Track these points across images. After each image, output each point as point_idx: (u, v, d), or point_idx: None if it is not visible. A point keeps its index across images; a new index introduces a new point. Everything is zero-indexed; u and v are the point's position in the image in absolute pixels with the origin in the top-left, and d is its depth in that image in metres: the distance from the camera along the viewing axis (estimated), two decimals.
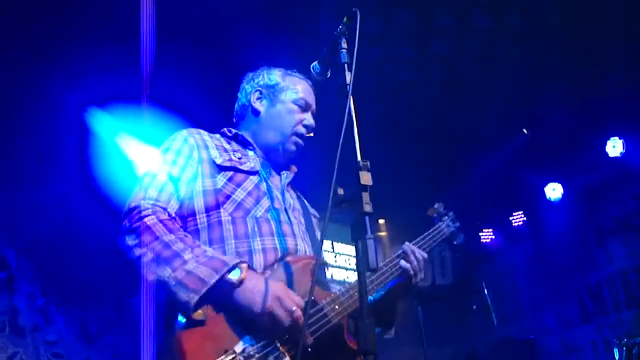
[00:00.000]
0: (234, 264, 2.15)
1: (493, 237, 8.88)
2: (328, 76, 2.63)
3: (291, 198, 2.71)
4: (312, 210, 2.89)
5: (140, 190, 2.37)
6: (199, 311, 2.09)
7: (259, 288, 2.14)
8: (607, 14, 5.71)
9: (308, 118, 2.77)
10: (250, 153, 2.70)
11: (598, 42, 6.02)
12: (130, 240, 2.23)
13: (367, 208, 1.85)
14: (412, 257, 2.66)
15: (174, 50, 5.23)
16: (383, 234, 8.36)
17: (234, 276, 2.13)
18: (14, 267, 5.46)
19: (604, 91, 6.55)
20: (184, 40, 5.35)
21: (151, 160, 5.51)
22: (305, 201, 2.89)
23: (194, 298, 2.06)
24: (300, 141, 2.75)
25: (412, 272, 2.64)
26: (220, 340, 2.07)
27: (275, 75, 2.87)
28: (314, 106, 2.85)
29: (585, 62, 6.25)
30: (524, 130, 7.50)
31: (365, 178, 1.91)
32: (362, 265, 1.83)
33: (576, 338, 7.80)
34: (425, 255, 2.74)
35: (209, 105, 5.62)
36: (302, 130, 2.74)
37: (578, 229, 8.01)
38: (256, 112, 2.81)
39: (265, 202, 2.51)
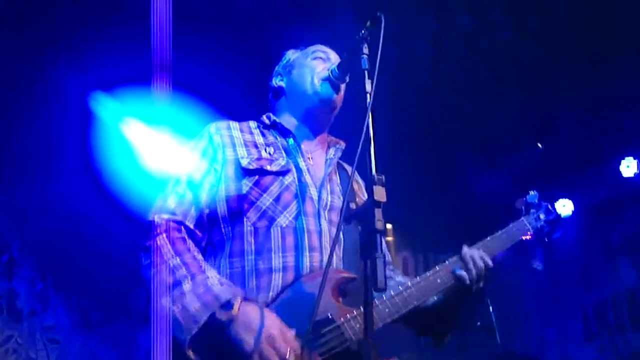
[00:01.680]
0: (226, 299, 2.02)
1: None
2: (346, 81, 2.57)
3: (330, 193, 2.47)
4: (361, 194, 2.66)
5: (160, 201, 2.31)
6: (190, 352, 2.00)
7: (250, 325, 1.99)
8: (626, 28, 5.61)
9: (332, 64, 2.57)
10: (291, 141, 2.53)
11: (616, 58, 5.92)
12: (144, 259, 2.19)
13: (379, 225, 1.76)
14: (470, 265, 2.39)
15: (190, 29, 5.13)
16: (390, 239, 8.27)
17: (224, 314, 2.00)
18: (15, 251, 5.42)
19: (622, 109, 6.46)
20: (201, 19, 5.25)
21: (166, 153, 5.51)
22: (358, 183, 2.71)
23: (187, 338, 1.99)
24: (331, 83, 2.52)
25: (467, 283, 2.38)
26: None
27: (288, 55, 2.82)
28: (337, 56, 2.68)
29: (603, 79, 6.15)
30: (539, 145, 7.41)
31: (379, 193, 1.81)
32: (370, 285, 1.73)
33: (578, 356, 7.71)
34: (489, 261, 2.43)
35: (228, 91, 5.55)
36: (326, 73, 2.54)
37: (586, 246, 7.92)
38: (280, 90, 2.74)
39: (294, 208, 2.32)
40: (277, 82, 2.77)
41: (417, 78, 6.29)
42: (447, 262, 2.44)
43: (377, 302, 2.18)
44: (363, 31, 2.18)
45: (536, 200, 2.80)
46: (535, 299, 8.56)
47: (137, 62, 4.60)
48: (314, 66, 2.64)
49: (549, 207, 2.80)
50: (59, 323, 5.71)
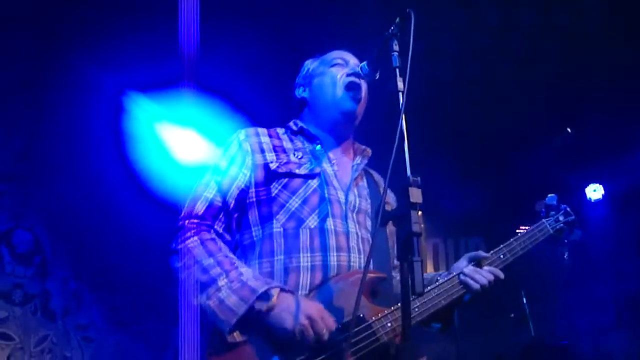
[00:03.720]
0: (263, 290, 2.08)
1: None
2: (376, 78, 2.53)
3: (358, 197, 2.52)
4: (389, 199, 2.67)
5: (189, 205, 2.36)
6: (234, 334, 2.08)
7: (290, 309, 2.06)
8: None
9: (351, 69, 2.61)
10: (318, 148, 2.57)
11: None
12: (175, 262, 2.25)
13: (416, 228, 1.73)
14: (471, 282, 2.40)
15: (218, 30, 5.16)
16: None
17: (263, 304, 2.07)
18: (48, 252, 5.48)
19: None
20: (229, 20, 5.26)
21: (194, 148, 5.57)
22: (381, 188, 2.69)
23: (226, 329, 2.06)
24: (353, 93, 2.56)
25: (480, 291, 2.41)
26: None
27: (307, 65, 2.84)
28: (355, 60, 2.70)
29: (631, 61, 6.07)
30: (568, 130, 7.31)
31: (416, 195, 1.78)
32: (407, 288, 1.71)
33: (610, 346, 7.62)
34: (491, 277, 2.43)
35: (255, 90, 5.57)
36: (348, 79, 2.57)
37: (618, 232, 7.81)
38: (304, 101, 2.76)
39: (322, 210, 2.37)
40: (299, 93, 2.80)
41: (445, 67, 6.23)
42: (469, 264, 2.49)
43: None
44: (392, 28, 2.14)
45: (555, 203, 2.86)
46: (566, 289, 8.47)
47: (167, 61, 4.65)
48: (334, 74, 2.65)
49: (568, 209, 2.86)
50: (93, 322, 5.77)
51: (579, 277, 8.21)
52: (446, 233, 8.45)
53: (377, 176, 2.75)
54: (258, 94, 5.60)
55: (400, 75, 2.03)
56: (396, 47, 2.13)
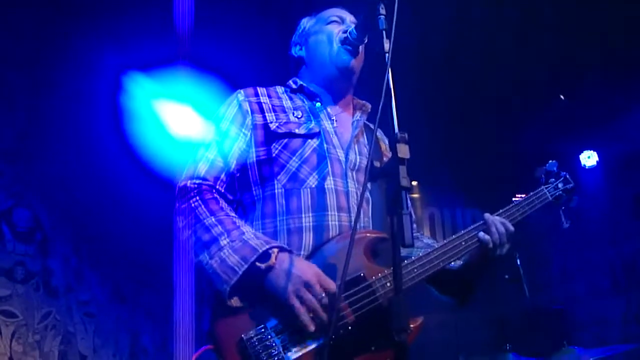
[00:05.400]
0: (264, 250, 2.10)
1: None
2: (365, 42, 2.58)
3: (358, 154, 2.52)
4: (387, 154, 2.66)
5: (191, 167, 2.39)
6: (233, 300, 2.10)
7: (288, 272, 2.07)
8: None
9: (347, 26, 2.64)
10: (318, 105, 2.60)
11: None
12: (179, 222, 2.28)
13: (404, 182, 1.78)
14: (492, 229, 2.43)
15: (212, 7, 5.16)
16: (416, 195, 8.27)
17: (262, 263, 2.09)
18: (48, 229, 5.52)
19: None
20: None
21: (195, 123, 5.61)
22: (385, 143, 2.73)
23: (227, 289, 2.07)
24: (349, 47, 2.57)
25: (490, 246, 2.41)
26: (249, 320, 2.09)
27: (303, 23, 2.86)
28: (352, 17, 2.74)
29: (626, 28, 6.06)
30: (561, 97, 7.31)
31: (403, 151, 1.83)
32: (397, 240, 1.76)
33: (606, 309, 7.70)
34: (511, 227, 2.47)
35: (249, 65, 5.58)
36: (344, 35, 2.58)
37: (613, 198, 7.85)
38: (301, 59, 2.78)
39: (322, 169, 2.38)
40: (296, 51, 2.82)
41: (440, 36, 6.22)
42: (472, 226, 2.48)
43: (405, 262, 2.25)
44: None
45: (555, 169, 2.85)
46: (561, 254, 8.53)
47: (163, 39, 4.65)
48: (330, 31, 2.67)
49: (567, 176, 2.84)
50: (95, 297, 5.83)
51: (575, 243, 8.28)
52: (442, 203, 8.48)
53: (379, 132, 2.74)
54: (252, 69, 5.62)
55: (387, 38, 2.06)
56: (383, 11, 2.15)
